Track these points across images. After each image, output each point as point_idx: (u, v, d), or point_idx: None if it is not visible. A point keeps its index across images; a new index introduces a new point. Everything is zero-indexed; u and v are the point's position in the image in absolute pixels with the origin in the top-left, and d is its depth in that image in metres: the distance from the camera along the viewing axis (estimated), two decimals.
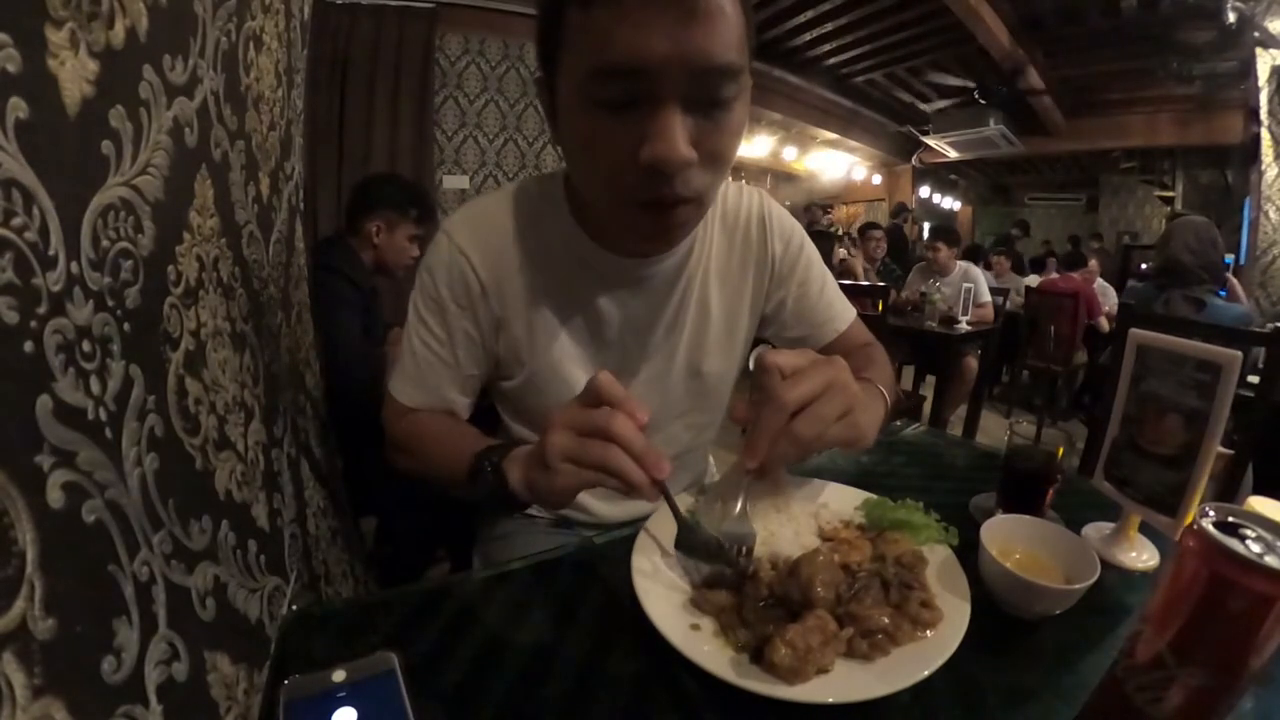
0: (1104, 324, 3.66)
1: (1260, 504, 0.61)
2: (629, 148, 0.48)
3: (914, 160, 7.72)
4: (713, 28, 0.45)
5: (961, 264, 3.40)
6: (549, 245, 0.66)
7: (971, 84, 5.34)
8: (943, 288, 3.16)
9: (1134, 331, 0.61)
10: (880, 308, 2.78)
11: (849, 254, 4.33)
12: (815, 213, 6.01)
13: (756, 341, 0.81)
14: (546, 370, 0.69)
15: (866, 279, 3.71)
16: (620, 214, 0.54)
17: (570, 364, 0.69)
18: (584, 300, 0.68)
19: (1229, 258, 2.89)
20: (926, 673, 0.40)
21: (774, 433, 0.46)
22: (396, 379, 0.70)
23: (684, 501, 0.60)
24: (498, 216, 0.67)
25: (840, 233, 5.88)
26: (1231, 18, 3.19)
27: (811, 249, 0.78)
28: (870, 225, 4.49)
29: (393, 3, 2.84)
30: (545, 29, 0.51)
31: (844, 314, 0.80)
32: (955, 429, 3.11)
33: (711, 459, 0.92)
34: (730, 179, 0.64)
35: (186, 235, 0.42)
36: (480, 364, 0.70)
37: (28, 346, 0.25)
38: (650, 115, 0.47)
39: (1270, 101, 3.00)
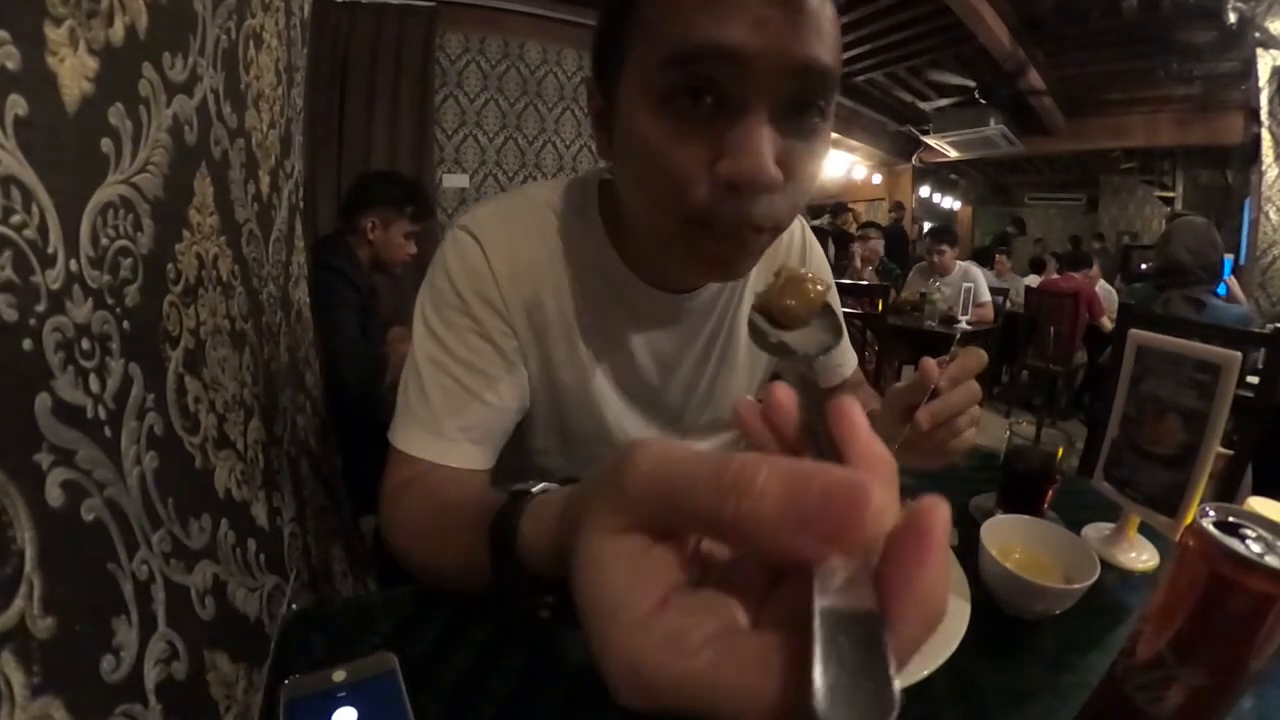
0: (1106, 324, 3.66)
1: (1260, 504, 0.61)
2: (704, 160, 0.40)
3: (914, 160, 7.70)
4: (814, 23, 0.39)
5: (961, 264, 3.41)
6: (578, 270, 0.58)
7: (972, 84, 5.33)
8: (943, 287, 3.17)
9: (1134, 332, 0.61)
10: (880, 308, 2.78)
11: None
12: (848, 217, 5.77)
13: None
14: (548, 409, 0.62)
15: (865, 278, 3.72)
16: (679, 237, 0.45)
17: (597, 400, 0.62)
18: (611, 336, 0.61)
19: (1229, 258, 2.88)
20: (926, 672, 0.40)
21: (958, 409, 0.53)
22: (399, 425, 0.55)
23: None
24: (529, 227, 0.57)
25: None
26: (1232, 18, 3.18)
27: (834, 292, 0.75)
28: (869, 225, 4.50)
29: (393, 1, 2.84)
30: (610, 22, 0.45)
31: (852, 360, 0.84)
32: None
33: None
34: None
35: (186, 233, 0.42)
36: (512, 395, 0.58)
37: (27, 344, 0.25)
38: (733, 124, 0.39)
39: (1270, 102, 2.99)
